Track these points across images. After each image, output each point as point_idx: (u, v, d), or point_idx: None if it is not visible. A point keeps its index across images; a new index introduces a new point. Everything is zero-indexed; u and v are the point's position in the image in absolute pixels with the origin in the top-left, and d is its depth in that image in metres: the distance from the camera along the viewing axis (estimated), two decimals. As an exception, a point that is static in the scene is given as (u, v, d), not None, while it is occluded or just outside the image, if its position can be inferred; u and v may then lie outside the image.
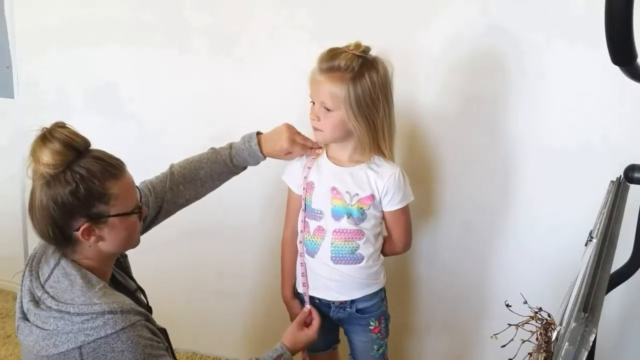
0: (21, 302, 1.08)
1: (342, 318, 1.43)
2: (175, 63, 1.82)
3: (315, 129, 1.28)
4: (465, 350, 1.83)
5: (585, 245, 1.00)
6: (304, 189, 1.36)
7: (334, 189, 1.31)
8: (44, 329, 1.03)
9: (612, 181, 1.20)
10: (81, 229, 1.06)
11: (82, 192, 1.03)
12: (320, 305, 1.43)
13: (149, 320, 1.12)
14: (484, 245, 1.68)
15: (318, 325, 1.38)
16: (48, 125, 1.05)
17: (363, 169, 1.31)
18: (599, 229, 0.98)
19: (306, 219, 1.36)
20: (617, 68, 0.73)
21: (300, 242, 1.39)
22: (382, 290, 1.44)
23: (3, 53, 2.01)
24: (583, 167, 1.51)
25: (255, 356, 1.26)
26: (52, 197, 1.03)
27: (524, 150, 1.56)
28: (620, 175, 1.19)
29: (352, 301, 1.39)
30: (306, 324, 1.40)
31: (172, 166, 1.38)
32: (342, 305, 1.40)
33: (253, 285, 1.99)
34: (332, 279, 1.36)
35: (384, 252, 1.41)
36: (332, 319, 1.46)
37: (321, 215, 1.34)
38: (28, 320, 1.05)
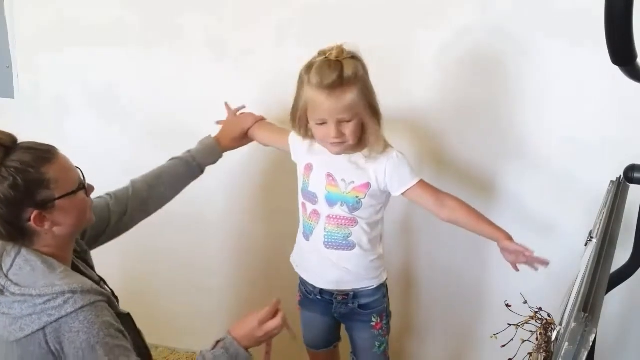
0: None
1: (345, 314, 1.44)
2: (175, 64, 1.81)
3: (336, 144, 1.25)
4: (466, 350, 1.83)
5: (585, 245, 1.01)
6: (304, 169, 1.36)
7: (329, 175, 1.31)
8: (9, 315, 1.05)
9: (612, 181, 1.20)
10: (32, 218, 1.08)
11: (21, 183, 1.05)
12: (322, 301, 1.43)
13: (111, 303, 1.13)
14: (484, 245, 1.67)
15: (277, 324, 1.21)
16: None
17: (360, 157, 1.30)
18: (599, 229, 0.98)
19: (304, 201, 1.37)
20: (617, 68, 0.73)
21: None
22: (384, 286, 1.44)
23: (3, 53, 2.01)
24: (583, 167, 1.51)
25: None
26: None
27: (523, 149, 1.56)
28: (620, 175, 1.19)
29: (355, 296, 1.40)
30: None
31: (133, 180, 1.43)
32: (345, 300, 1.41)
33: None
34: (326, 266, 1.37)
35: (448, 216, 1.32)
36: (333, 316, 1.46)
37: (316, 199, 1.34)
38: None
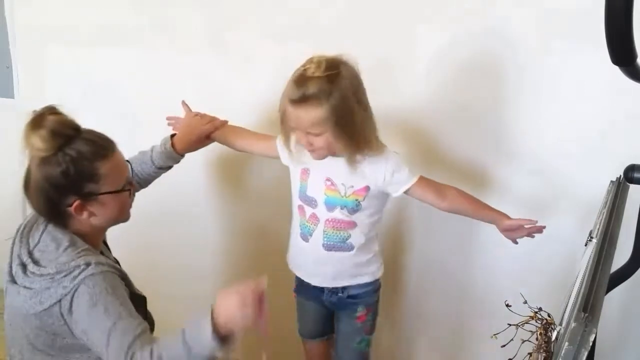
0: (10, 266, 1.14)
1: (334, 302, 1.45)
2: (176, 64, 1.82)
3: (312, 151, 1.28)
4: (465, 350, 1.83)
5: (585, 245, 1.01)
6: (301, 173, 1.36)
7: (328, 179, 1.32)
8: (31, 289, 1.09)
9: (612, 181, 1.20)
10: (73, 205, 1.12)
11: (72, 173, 1.10)
12: (315, 289, 1.45)
13: (126, 280, 1.17)
14: (483, 245, 1.68)
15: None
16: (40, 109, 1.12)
17: (358, 161, 1.30)
18: (599, 229, 0.98)
19: (302, 204, 1.37)
20: (617, 68, 0.73)
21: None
22: (377, 281, 1.45)
23: (3, 53, 2.01)
24: (583, 167, 1.51)
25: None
26: (45, 177, 1.10)
27: (522, 150, 1.56)
28: (620, 175, 1.19)
29: (344, 287, 1.42)
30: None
31: None
32: (335, 290, 1.43)
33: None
34: (322, 265, 1.39)
35: (449, 205, 1.36)
36: (325, 306, 1.47)
37: (315, 204, 1.35)
38: (16, 282, 1.11)
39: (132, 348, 1.03)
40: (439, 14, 1.53)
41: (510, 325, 0.98)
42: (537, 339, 0.92)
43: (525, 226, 1.31)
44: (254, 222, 1.92)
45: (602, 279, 0.78)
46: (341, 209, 1.32)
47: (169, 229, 1.98)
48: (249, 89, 1.76)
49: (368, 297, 1.44)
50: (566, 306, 0.86)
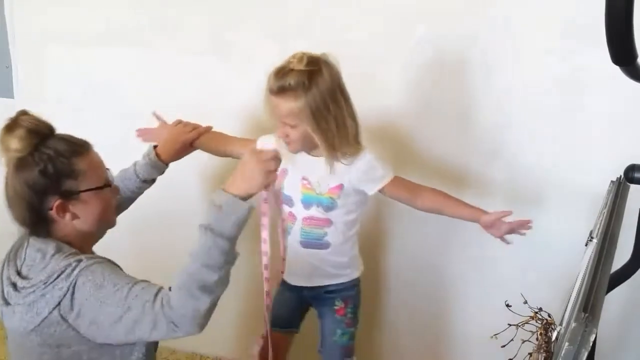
0: (2, 290, 1.12)
1: (312, 297, 1.48)
2: (177, 64, 1.82)
3: (287, 143, 1.30)
4: (465, 350, 1.83)
5: (586, 245, 1.00)
6: (279, 173, 1.38)
7: (304, 178, 1.35)
8: (24, 304, 1.07)
9: (612, 181, 1.20)
10: (54, 206, 1.10)
11: (50, 171, 1.08)
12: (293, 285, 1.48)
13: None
14: (483, 246, 1.68)
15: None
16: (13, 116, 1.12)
17: (334, 159, 1.31)
18: (599, 229, 0.98)
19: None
20: (617, 68, 0.73)
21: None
22: (355, 280, 1.47)
23: (3, 53, 2.01)
24: (583, 167, 1.51)
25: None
26: (24, 180, 1.08)
27: (522, 150, 1.56)
28: (620, 175, 1.19)
29: (321, 286, 1.45)
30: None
31: None
32: (312, 287, 1.46)
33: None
34: (299, 262, 1.40)
35: (425, 204, 1.37)
36: (301, 300, 1.50)
37: (292, 202, 1.38)
38: (10, 303, 1.09)
39: (159, 295, 1.02)
40: (439, 14, 1.53)
41: (510, 325, 0.98)
42: (537, 339, 0.92)
43: (504, 220, 1.28)
44: (250, 223, 1.92)
45: (602, 279, 0.78)
46: (317, 206, 1.35)
47: (169, 231, 1.98)
48: (249, 89, 1.75)
49: (345, 291, 1.46)
50: (566, 306, 0.86)
